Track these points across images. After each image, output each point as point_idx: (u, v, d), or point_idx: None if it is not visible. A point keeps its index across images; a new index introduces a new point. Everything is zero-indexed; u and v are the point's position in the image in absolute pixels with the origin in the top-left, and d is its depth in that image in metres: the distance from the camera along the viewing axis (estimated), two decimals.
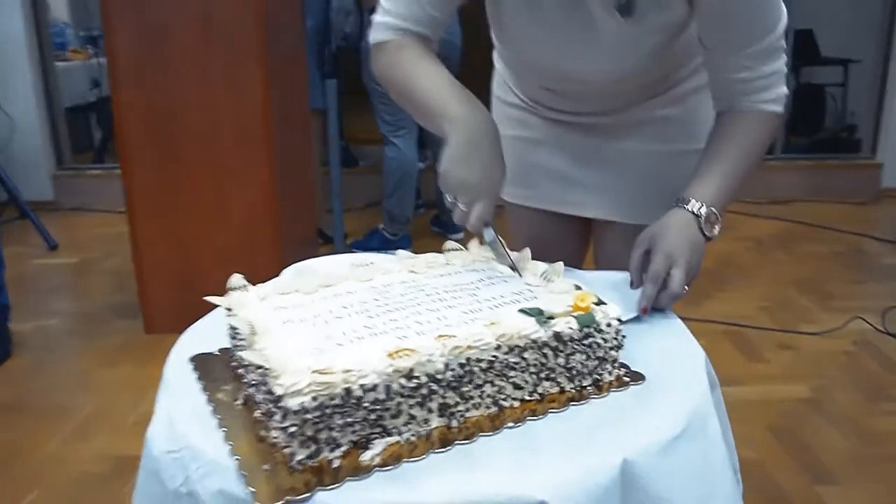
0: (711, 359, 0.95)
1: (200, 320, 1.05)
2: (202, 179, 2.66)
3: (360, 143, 5.08)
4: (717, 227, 1.06)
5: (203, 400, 0.84)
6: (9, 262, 2.85)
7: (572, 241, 1.43)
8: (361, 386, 0.70)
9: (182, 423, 0.80)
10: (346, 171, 4.59)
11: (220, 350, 0.94)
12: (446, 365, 0.74)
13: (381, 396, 0.72)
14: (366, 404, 0.71)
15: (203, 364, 0.92)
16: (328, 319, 0.84)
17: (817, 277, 3.45)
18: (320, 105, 3.07)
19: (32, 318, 3.04)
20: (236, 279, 0.93)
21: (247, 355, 0.74)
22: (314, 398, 0.69)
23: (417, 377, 0.73)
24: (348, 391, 0.70)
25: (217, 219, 2.69)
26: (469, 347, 0.75)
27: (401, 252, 1.02)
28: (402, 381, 0.72)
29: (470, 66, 2.92)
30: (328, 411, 0.69)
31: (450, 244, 1.04)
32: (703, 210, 1.04)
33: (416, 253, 1.05)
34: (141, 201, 2.70)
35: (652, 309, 1.00)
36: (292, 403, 0.68)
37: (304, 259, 1.16)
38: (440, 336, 0.76)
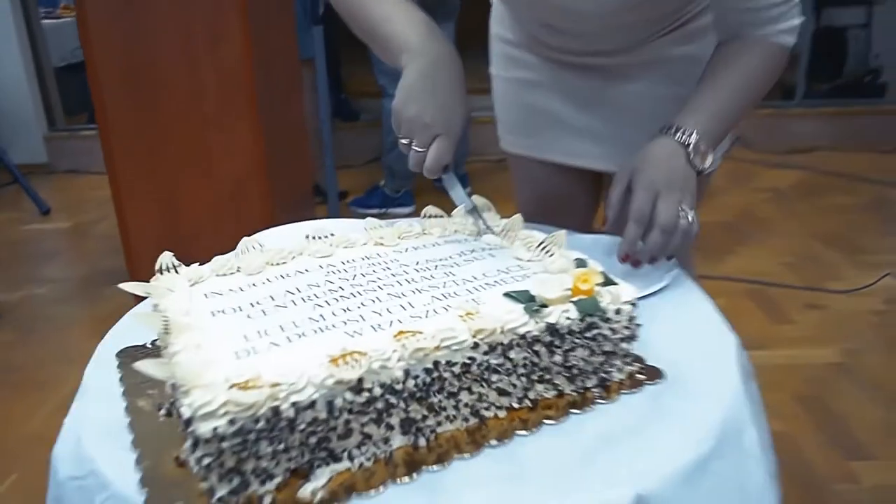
0: (732, 320, 0.81)
1: (141, 304, 0.89)
2: (185, 136, 2.50)
3: (362, 97, 4.86)
4: (708, 158, 0.89)
5: (122, 409, 0.69)
6: None
7: (582, 198, 1.26)
8: (294, 404, 0.54)
9: (91, 442, 0.65)
10: (347, 126, 4.41)
11: (153, 343, 0.78)
12: (407, 372, 0.57)
13: (322, 415, 0.55)
14: (301, 426, 0.55)
15: (130, 361, 0.76)
16: (268, 309, 0.68)
17: (844, 231, 3.24)
18: (312, 54, 2.88)
19: (19, 288, 2.91)
20: (166, 258, 0.76)
21: (144, 367, 0.58)
22: (231, 421, 0.53)
23: (369, 389, 0.56)
24: (276, 411, 0.54)
25: (203, 176, 2.53)
26: (437, 349, 0.58)
27: (369, 220, 0.85)
28: (349, 395, 0.56)
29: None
30: (252, 437, 0.54)
31: (429, 209, 0.87)
32: (693, 138, 0.87)
33: (419, 212, 0.88)
34: (122, 161, 2.54)
35: (666, 263, 0.85)
36: (203, 429, 0.52)
37: (298, 218, 1.02)
38: (400, 333, 0.59)
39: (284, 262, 0.77)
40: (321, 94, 2.76)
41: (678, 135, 0.88)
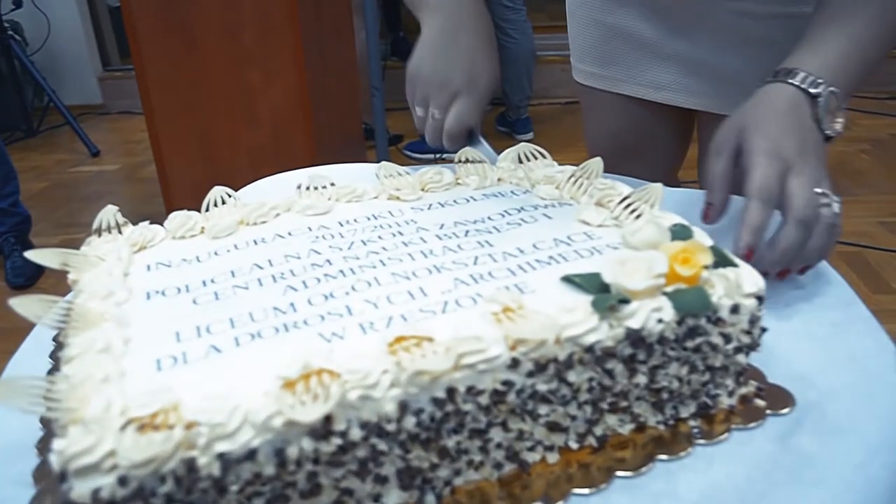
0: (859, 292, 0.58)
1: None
2: (223, 71, 2.35)
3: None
4: (839, 119, 0.62)
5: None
6: (48, 170, 2.64)
7: (666, 143, 1.01)
8: (221, 456, 0.34)
9: None
10: (404, 65, 4.18)
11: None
12: (404, 406, 0.37)
13: (268, 471, 0.35)
14: (235, 487, 0.35)
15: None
16: (223, 290, 0.47)
17: None
18: None
19: (61, 231, 2.83)
20: (107, 213, 0.57)
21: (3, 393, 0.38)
22: (122, 480, 0.33)
23: (343, 432, 0.36)
24: (192, 466, 0.34)
25: (243, 115, 2.38)
26: (454, 369, 0.37)
27: (384, 164, 0.63)
28: (308, 442, 0.35)
29: None
30: (155, 502, 0.34)
31: (467, 151, 0.65)
32: (822, 89, 0.61)
33: None
34: (159, 100, 2.41)
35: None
36: (78, 492, 0.33)
37: (345, 161, 0.85)
38: (398, 340, 0.38)
39: (264, 222, 0.57)
40: (370, 28, 2.54)
41: (798, 78, 0.61)
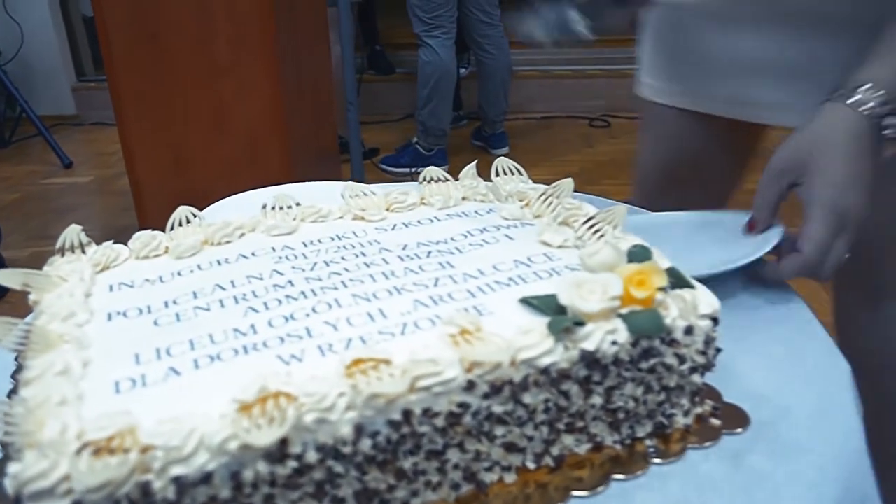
0: (814, 307, 0.62)
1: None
2: (198, 83, 2.33)
3: (398, 49, 4.62)
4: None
5: None
6: (19, 181, 2.61)
7: (725, 162, 0.95)
8: (176, 480, 0.34)
9: None
10: (382, 79, 4.18)
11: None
12: (360, 429, 0.37)
13: (224, 494, 0.36)
14: None
15: None
16: (184, 311, 0.48)
17: None
18: None
19: (32, 244, 2.79)
20: (71, 233, 0.57)
21: None
22: None
23: (298, 455, 0.36)
24: (147, 490, 0.34)
25: (217, 128, 2.36)
26: (409, 391, 0.38)
27: (349, 184, 0.63)
28: (263, 465, 0.36)
29: None
30: None
31: (431, 171, 0.65)
32: (887, 108, 0.60)
33: (454, 173, 0.67)
34: (131, 112, 2.38)
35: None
36: None
37: (320, 176, 0.86)
38: (355, 363, 0.39)
39: (228, 242, 0.57)
40: (344, 41, 2.54)
41: (859, 97, 0.60)
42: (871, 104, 0.60)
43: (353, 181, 0.66)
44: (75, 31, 4.67)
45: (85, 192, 3.50)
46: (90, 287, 0.52)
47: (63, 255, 0.56)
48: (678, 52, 0.89)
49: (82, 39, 4.73)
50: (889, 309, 0.77)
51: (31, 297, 0.50)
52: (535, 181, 0.65)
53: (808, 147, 0.62)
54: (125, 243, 0.58)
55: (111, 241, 0.57)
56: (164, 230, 0.60)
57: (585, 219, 0.55)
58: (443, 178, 0.64)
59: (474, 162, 0.66)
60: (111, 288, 0.52)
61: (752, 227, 0.66)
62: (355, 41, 3.11)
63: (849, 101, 0.61)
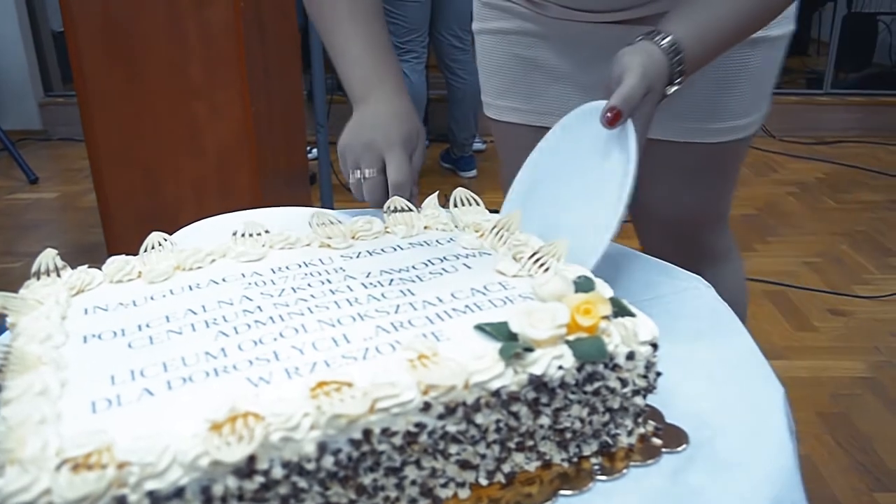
0: (749, 325, 0.65)
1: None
2: (169, 102, 2.34)
3: None
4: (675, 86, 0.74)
5: None
6: None
7: None
8: (150, 494, 0.37)
9: None
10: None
11: None
12: (323, 447, 0.40)
13: None
14: None
15: None
16: (157, 334, 0.50)
17: (873, 230, 3.03)
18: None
19: None
20: (46, 257, 0.59)
21: None
22: None
23: (265, 471, 0.39)
24: (122, 503, 0.37)
25: (188, 147, 2.37)
26: (369, 411, 0.41)
27: (318, 211, 0.67)
28: (232, 480, 0.38)
29: None
30: None
31: (395, 201, 0.69)
32: (680, 56, 0.72)
33: (422, 193, 0.72)
34: (101, 129, 2.38)
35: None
36: None
37: (291, 198, 0.92)
38: (319, 385, 0.42)
39: (199, 267, 0.60)
40: (315, 63, 2.57)
41: (669, 47, 0.72)
42: (666, 47, 0.72)
43: (322, 205, 0.69)
44: (44, 45, 4.64)
45: (51, 208, 3.47)
46: (66, 310, 0.54)
47: (39, 278, 0.58)
48: (527, 73, 0.99)
49: (51, 54, 4.70)
50: (706, 272, 0.84)
51: (9, 320, 0.52)
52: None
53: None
54: (91, 261, 0.60)
55: (86, 266, 0.59)
56: (130, 249, 0.62)
57: (531, 252, 0.59)
58: (406, 207, 0.67)
59: (436, 193, 0.70)
60: (86, 311, 0.54)
61: (615, 120, 0.69)
62: (326, 63, 3.15)
63: (652, 39, 0.73)
